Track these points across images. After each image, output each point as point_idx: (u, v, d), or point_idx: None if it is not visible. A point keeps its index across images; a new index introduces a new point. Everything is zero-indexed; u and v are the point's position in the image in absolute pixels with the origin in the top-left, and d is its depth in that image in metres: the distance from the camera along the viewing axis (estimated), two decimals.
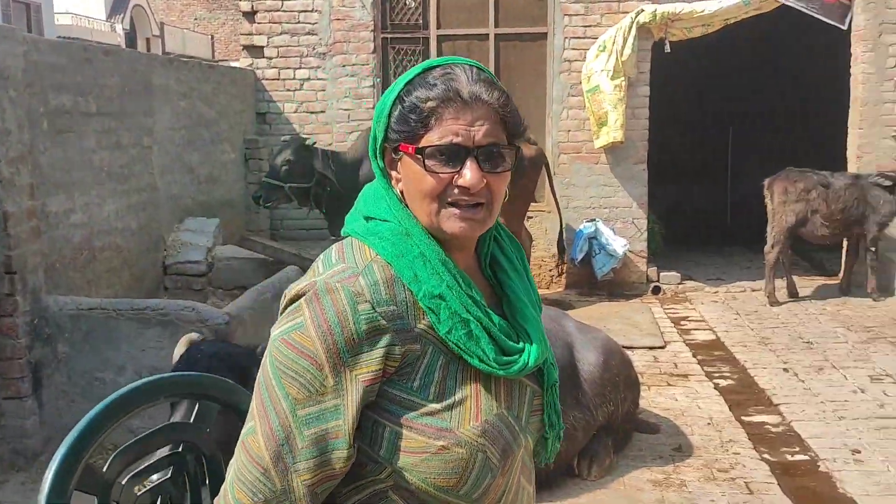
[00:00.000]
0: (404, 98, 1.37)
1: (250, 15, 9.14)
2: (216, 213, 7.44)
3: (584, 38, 8.79)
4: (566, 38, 8.83)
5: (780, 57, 12.66)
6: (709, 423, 5.15)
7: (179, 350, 3.44)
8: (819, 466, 4.53)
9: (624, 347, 5.08)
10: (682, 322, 7.81)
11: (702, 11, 8.43)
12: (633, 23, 8.46)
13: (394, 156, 1.41)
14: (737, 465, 4.51)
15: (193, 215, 7.02)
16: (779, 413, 5.35)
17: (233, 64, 9.36)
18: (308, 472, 1.30)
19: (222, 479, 1.40)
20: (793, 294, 8.49)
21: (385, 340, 1.30)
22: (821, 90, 11.50)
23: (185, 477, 1.87)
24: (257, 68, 9.11)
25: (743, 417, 5.28)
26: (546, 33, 8.95)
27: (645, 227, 9.04)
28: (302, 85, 9.12)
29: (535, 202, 8.73)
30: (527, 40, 9.08)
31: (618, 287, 8.90)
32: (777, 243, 8.19)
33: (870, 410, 5.30)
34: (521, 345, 1.41)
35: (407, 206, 1.41)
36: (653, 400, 5.55)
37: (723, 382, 6.01)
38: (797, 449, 4.78)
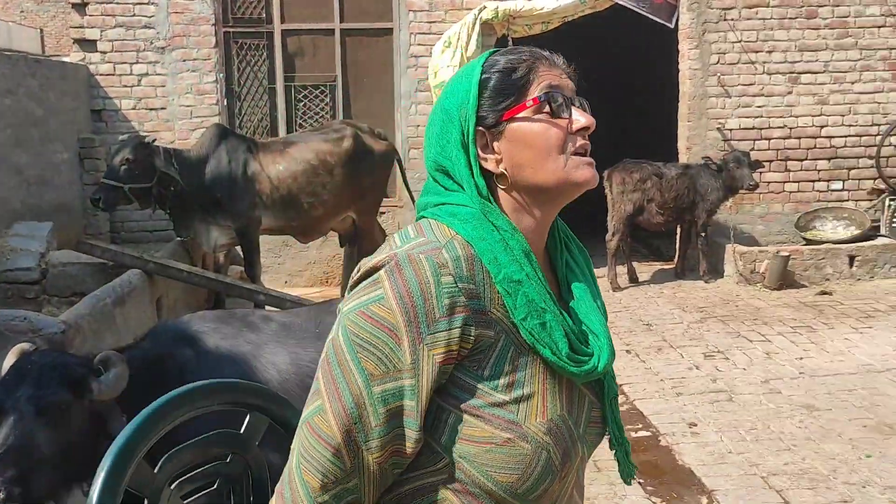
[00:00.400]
0: (492, 71, 1.37)
1: (81, 7, 8.65)
2: (49, 216, 7.01)
3: (429, 33, 8.88)
4: (412, 33, 8.90)
5: (618, 54, 13.24)
6: None
7: (9, 360, 3.22)
8: (660, 441, 4.79)
9: None
10: None
11: (541, 9, 8.70)
12: (476, 19, 8.62)
13: (494, 130, 1.36)
14: None
15: (23, 219, 6.58)
16: (623, 392, 5.60)
17: (64, 59, 8.81)
18: (379, 450, 1.25)
19: (267, 496, 1.31)
20: (633, 279, 8.92)
21: (462, 319, 1.25)
22: (655, 87, 12.12)
23: (230, 488, 1.78)
24: (90, 63, 8.64)
25: None
26: (392, 29, 8.99)
27: None
28: (140, 80, 8.73)
29: (387, 197, 8.75)
30: (373, 35, 9.08)
31: None
32: (617, 232, 8.58)
33: (704, 385, 5.65)
34: (590, 348, 1.37)
35: (491, 193, 1.37)
36: None
37: None
38: (640, 426, 5.03)
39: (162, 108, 8.76)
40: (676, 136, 9.48)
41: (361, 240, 8.05)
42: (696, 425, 4.96)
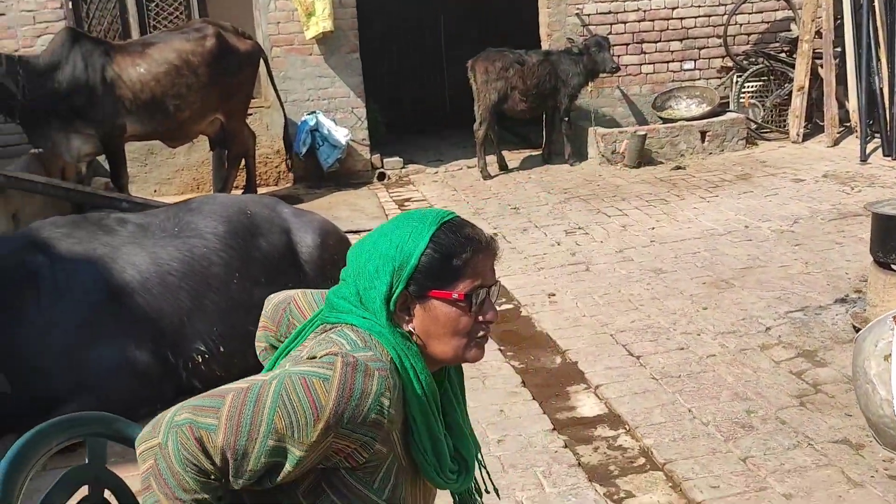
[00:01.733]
0: (435, 250, 1.52)
1: None
2: None
3: None
4: None
5: None
6: None
7: None
8: (521, 312, 5.09)
9: (351, 232, 5.30)
10: (406, 203, 8.20)
11: None
12: None
13: (418, 301, 1.53)
14: None
15: None
16: None
17: None
18: (245, 481, 1.42)
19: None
20: (503, 167, 9.15)
21: (375, 434, 1.43)
22: None
23: None
24: None
25: None
26: None
27: (364, 115, 9.24)
28: None
29: (254, 98, 8.59)
30: None
31: (344, 177, 9.09)
32: (484, 121, 8.74)
33: (564, 259, 5.98)
34: (459, 466, 1.63)
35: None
36: None
37: None
38: (503, 300, 5.31)
39: (1, 14, 8.23)
40: (538, 24, 9.61)
41: (231, 142, 7.94)
42: (554, 295, 5.28)
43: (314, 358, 1.46)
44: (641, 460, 3.37)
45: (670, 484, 3.18)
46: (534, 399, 3.94)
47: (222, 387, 1.47)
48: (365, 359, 1.44)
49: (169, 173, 8.85)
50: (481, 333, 1.58)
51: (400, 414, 1.49)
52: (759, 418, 3.54)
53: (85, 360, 3.58)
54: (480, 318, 1.56)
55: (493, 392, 4.01)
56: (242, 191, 8.10)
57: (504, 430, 3.65)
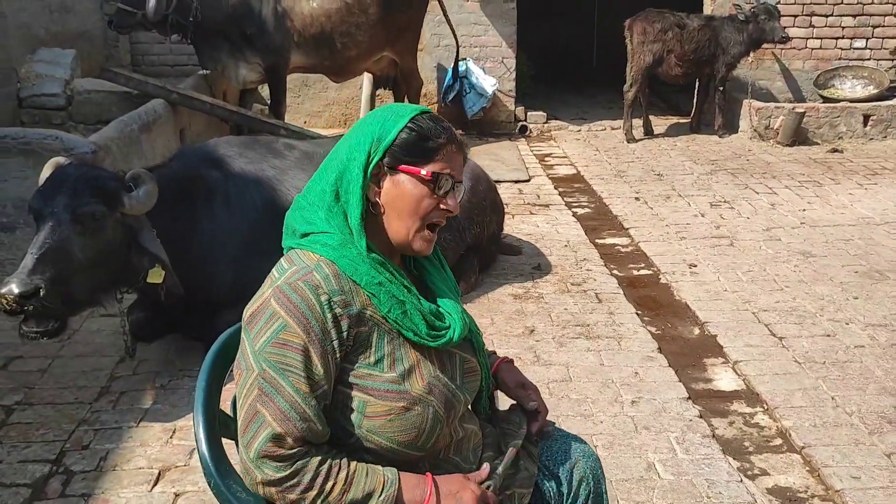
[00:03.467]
0: (413, 129, 1.64)
1: None
2: (71, 44, 7.06)
3: None
4: None
5: None
6: (566, 245, 5.57)
7: (46, 172, 3.42)
8: (660, 279, 5.05)
9: None
10: (547, 158, 8.19)
11: None
12: None
13: (388, 173, 1.65)
14: (588, 280, 4.96)
15: (46, 46, 6.65)
16: (629, 236, 5.83)
17: None
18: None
19: None
20: (648, 132, 8.98)
21: (344, 325, 1.57)
22: None
23: None
24: None
25: (597, 240, 5.73)
26: None
27: (514, 66, 9.21)
28: None
29: None
30: None
31: (487, 126, 9.14)
32: (635, 83, 8.57)
33: (707, 231, 5.86)
34: (446, 323, 1.72)
35: (359, 220, 1.64)
36: (517, 227, 5.92)
37: (581, 211, 6.45)
38: (642, 265, 5.28)
39: None
40: None
41: (409, 79, 7.99)
42: (695, 266, 5.20)
43: (254, 320, 1.60)
44: (778, 441, 3.33)
45: (807, 468, 3.13)
46: (669, 366, 3.92)
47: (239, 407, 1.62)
48: (286, 280, 1.59)
49: (320, 106, 9.11)
50: (436, 220, 1.67)
51: (354, 292, 1.61)
52: None
53: (248, 271, 3.78)
54: (442, 204, 1.66)
55: (628, 354, 4.02)
56: None
57: (639, 392, 3.67)
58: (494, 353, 2.07)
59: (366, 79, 8.45)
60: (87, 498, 2.89)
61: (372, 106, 8.42)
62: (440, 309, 1.76)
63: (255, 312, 1.59)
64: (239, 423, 1.58)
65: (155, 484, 2.98)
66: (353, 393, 1.61)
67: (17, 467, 3.05)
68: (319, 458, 1.55)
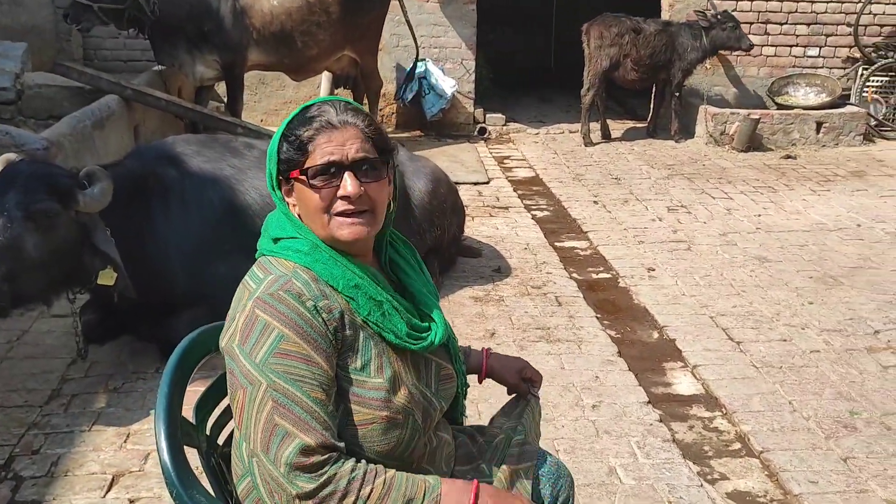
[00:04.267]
0: (288, 136, 1.61)
1: None
2: (22, 38, 6.86)
3: None
4: None
5: None
6: (525, 248, 5.57)
7: None
8: (619, 283, 5.07)
9: None
10: (506, 161, 8.19)
11: None
12: None
13: (286, 184, 1.63)
14: (548, 283, 4.97)
15: None
16: (588, 239, 5.86)
17: None
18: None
19: None
20: (606, 135, 9.04)
21: (331, 328, 1.53)
22: None
23: None
24: None
25: (556, 243, 5.74)
26: None
27: (473, 68, 9.20)
28: None
29: None
30: None
31: (446, 128, 9.11)
32: (592, 86, 8.61)
33: (665, 235, 5.91)
34: (426, 324, 1.70)
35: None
36: (476, 229, 5.90)
37: (540, 214, 6.45)
38: (601, 269, 5.30)
39: None
40: None
41: (369, 80, 7.96)
42: (653, 270, 5.24)
43: (244, 332, 1.55)
44: (737, 445, 3.36)
45: (766, 473, 3.16)
46: (629, 370, 3.94)
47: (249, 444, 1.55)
48: (265, 290, 1.54)
49: (277, 105, 9.00)
50: (340, 208, 1.60)
51: (333, 296, 1.58)
52: (864, 420, 3.48)
53: (204, 271, 3.71)
54: (338, 193, 1.59)
55: (588, 358, 4.02)
56: None
57: (599, 396, 3.67)
58: (469, 347, 2.05)
59: (324, 77, 8.37)
60: None
61: None
62: (420, 309, 1.73)
63: (242, 326, 1.52)
64: (252, 439, 1.49)
65: (108, 490, 2.90)
66: (341, 398, 1.56)
67: None
68: (351, 462, 1.49)
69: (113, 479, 2.96)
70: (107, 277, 3.40)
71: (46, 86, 6.04)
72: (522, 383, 2.04)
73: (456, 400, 1.84)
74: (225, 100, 7.48)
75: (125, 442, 3.19)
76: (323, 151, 1.57)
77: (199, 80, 7.05)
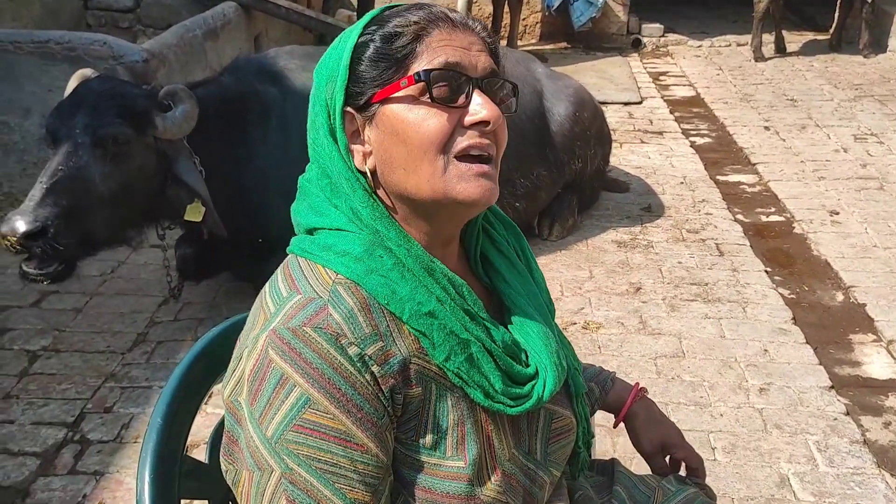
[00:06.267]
0: (373, 36, 1.02)
1: None
2: None
3: None
4: None
5: None
6: (682, 183, 4.81)
7: (71, 85, 2.93)
8: (794, 228, 4.26)
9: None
10: (662, 77, 7.32)
11: None
12: None
13: (363, 115, 1.03)
14: (708, 226, 4.22)
15: None
16: (756, 173, 5.02)
17: None
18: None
19: None
20: (780, 49, 7.96)
21: (387, 388, 0.97)
22: None
23: None
24: None
25: (718, 177, 4.95)
26: None
27: None
28: None
29: None
30: None
31: (596, 39, 8.29)
32: None
33: (851, 171, 4.98)
34: (531, 369, 1.08)
35: (374, 192, 1.05)
36: (624, 158, 5.18)
37: (700, 140, 5.63)
38: (773, 210, 4.49)
39: None
40: None
41: None
42: (837, 213, 4.38)
43: (250, 377, 0.98)
44: None
45: None
46: (807, 343, 3.21)
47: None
48: (286, 323, 0.96)
49: None
50: (470, 142, 1.00)
51: (394, 332, 0.99)
52: None
53: None
54: (466, 119, 1.00)
55: (755, 325, 3.32)
56: None
57: (768, 376, 2.98)
58: (603, 371, 1.44)
59: None
60: (100, 477, 2.46)
61: (469, 13, 7.66)
62: (523, 342, 1.11)
63: (252, 374, 0.96)
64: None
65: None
66: (401, 491, 1.02)
67: (28, 431, 2.65)
68: None
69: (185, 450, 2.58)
70: (194, 213, 2.99)
71: None
72: (665, 461, 1.41)
73: (574, 457, 1.24)
74: (356, 8, 6.95)
75: (205, 405, 2.80)
76: (440, 52, 1.00)
77: None
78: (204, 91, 3.13)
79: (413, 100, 0.99)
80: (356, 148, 1.04)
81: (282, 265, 1.07)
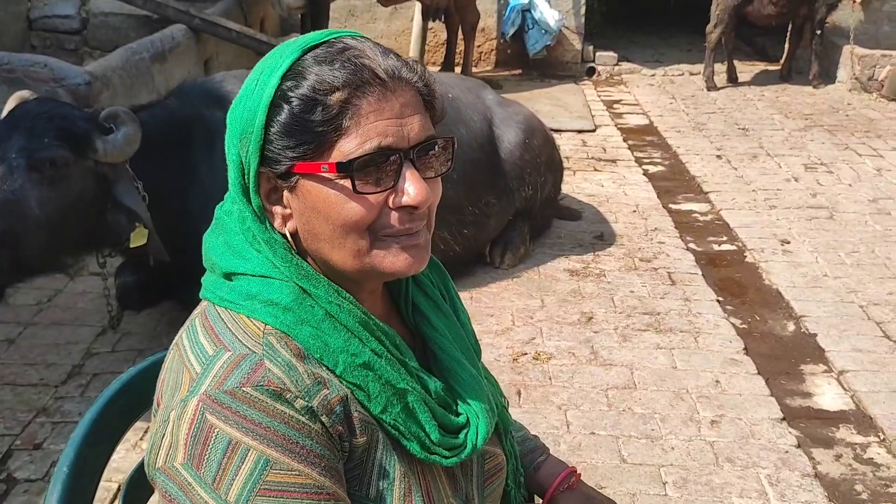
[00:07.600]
0: (289, 95, 0.91)
1: None
2: None
3: None
4: None
5: None
6: (634, 211, 4.81)
7: (8, 107, 2.82)
8: (746, 257, 4.27)
9: (552, 131, 4.62)
10: (616, 105, 7.35)
11: None
12: None
13: (281, 183, 0.95)
14: (660, 255, 4.21)
15: None
16: (708, 201, 5.04)
17: None
18: None
19: None
20: (732, 79, 8.06)
21: (337, 435, 0.92)
22: None
23: None
24: None
25: (671, 205, 4.95)
26: None
27: (583, 0, 8.32)
28: None
29: None
30: None
31: (550, 67, 8.32)
32: (720, 22, 7.61)
33: (802, 200, 5.03)
34: (462, 417, 1.04)
35: (293, 250, 0.98)
36: (577, 186, 5.17)
37: (653, 169, 5.65)
38: (724, 238, 4.50)
39: None
40: None
41: (465, 12, 7.31)
42: (788, 242, 4.41)
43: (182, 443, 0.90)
44: None
45: None
46: (758, 373, 3.20)
47: None
48: (220, 386, 0.88)
49: None
50: (397, 227, 0.95)
51: (332, 379, 0.93)
52: None
53: None
54: (394, 200, 0.94)
55: (707, 355, 3.29)
56: (439, 69, 7.53)
57: (720, 407, 2.96)
58: (537, 445, 1.35)
59: (417, 9, 7.67)
60: None
61: (423, 40, 7.65)
62: (451, 384, 1.06)
63: (189, 440, 0.88)
64: None
65: (112, 503, 2.41)
66: None
67: None
68: None
69: (118, 490, 2.46)
70: (138, 237, 2.88)
71: (113, 14, 5.58)
72: None
73: (506, 497, 1.18)
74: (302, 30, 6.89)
75: (140, 440, 2.68)
76: (370, 129, 0.91)
77: (284, 9, 6.49)
78: (148, 114, 3.04)
79: (327, 181, 0.92)
80: (276, 209, 0.97)
81: (198, 315, 0.99)
